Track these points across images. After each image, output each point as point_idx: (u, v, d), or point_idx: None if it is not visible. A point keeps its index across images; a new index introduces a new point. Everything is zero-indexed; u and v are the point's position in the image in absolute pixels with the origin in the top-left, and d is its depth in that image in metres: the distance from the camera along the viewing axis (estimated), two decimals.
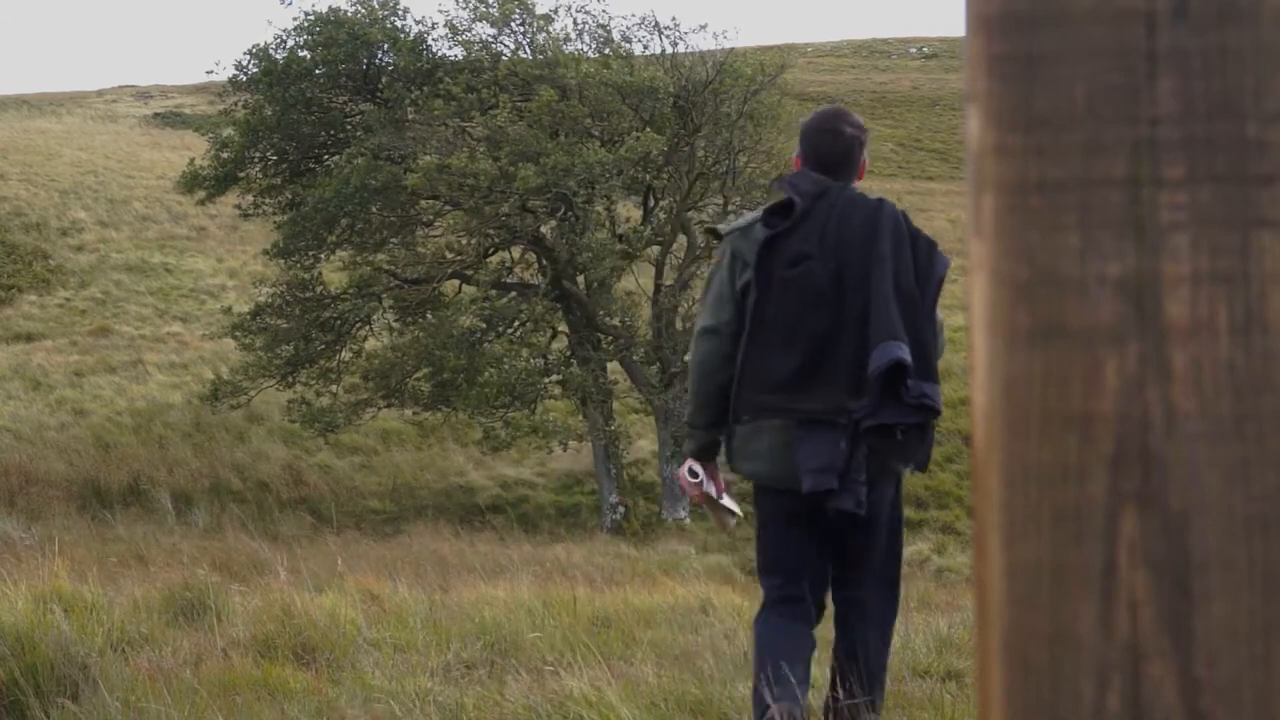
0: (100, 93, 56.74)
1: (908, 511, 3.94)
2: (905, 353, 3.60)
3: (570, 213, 21.45)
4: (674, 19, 26.52)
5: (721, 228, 4.10)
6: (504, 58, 22.98)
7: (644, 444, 23.36)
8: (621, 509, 21.20)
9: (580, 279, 22.04)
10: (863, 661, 3.97)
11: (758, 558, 4.09)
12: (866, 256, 3.75)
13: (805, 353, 3.75)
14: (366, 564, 11.92)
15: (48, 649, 5.04)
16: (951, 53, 64.95)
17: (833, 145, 3.97)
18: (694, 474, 4.06)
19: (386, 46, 23.33)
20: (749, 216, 4.00)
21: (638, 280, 23.24)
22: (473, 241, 22.24)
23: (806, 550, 3.99)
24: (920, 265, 3.81)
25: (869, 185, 4.23)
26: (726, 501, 4.11)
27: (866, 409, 3.65)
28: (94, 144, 41.27)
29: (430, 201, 22.27)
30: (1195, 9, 0.71)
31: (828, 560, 4.05)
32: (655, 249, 22.45)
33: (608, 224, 22.45)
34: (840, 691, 3.94)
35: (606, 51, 23.19)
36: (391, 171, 21.23)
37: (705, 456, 4.07)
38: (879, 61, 66.06)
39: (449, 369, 20.38)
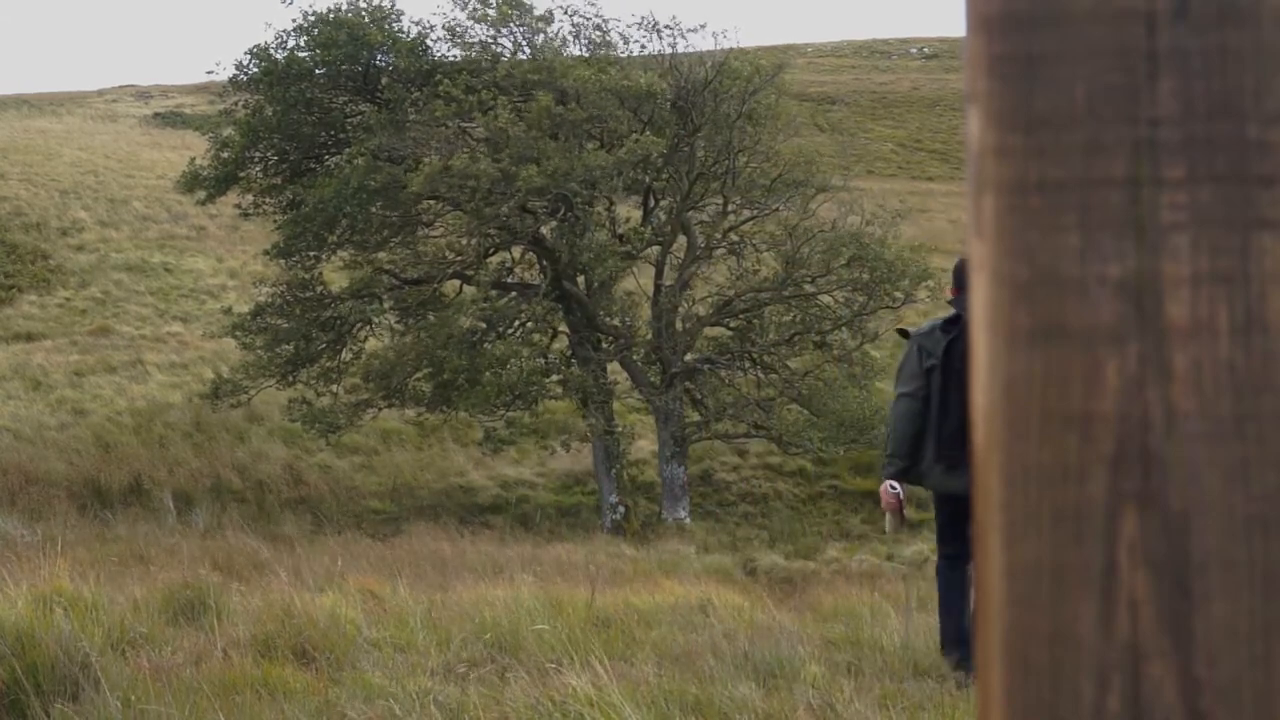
0: (100, 93, 56.72)
1: (909, 512, 7.07)
2: None
3: (570, 213, 21.44)
4: (673, 18, 26.42)
5: (910, 330, 6.19)
6: (502, 59, 22.96)
7: (644, 444, 23.34)
8: (621, 509, 21.18)
9: (580, 279, 22.02)
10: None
11: (937, 532, 6.41)
12: None
13: None
14: (366, 564, 11.92)
15: (49, 648, 5.04)
16: (951, 53, 64.91)
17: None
18: (894, 488, 6.12)
19: (386, 48, 23.32)
20: (929, 323, 6.14)
21: (638, 280, 23.22)
22: (473, 242, 22.23)
23: (956, 524, 6.12)
24: None
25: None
26: (905, 512, 6.29)
27: None
28: (94, 144, 41.24)
29: (430, 202, 22.26)
30: (1195, 9, 0.71)
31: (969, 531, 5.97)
32: (655, 249, 22.43)
33: (608, 224, 22.43)
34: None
35: (604, 53, 23.15)
36: (391, 172, 21.21)
37: (902, 478, 6.13)
38: (879, 61, 66.02)
39: (450, 369, 20.37)
